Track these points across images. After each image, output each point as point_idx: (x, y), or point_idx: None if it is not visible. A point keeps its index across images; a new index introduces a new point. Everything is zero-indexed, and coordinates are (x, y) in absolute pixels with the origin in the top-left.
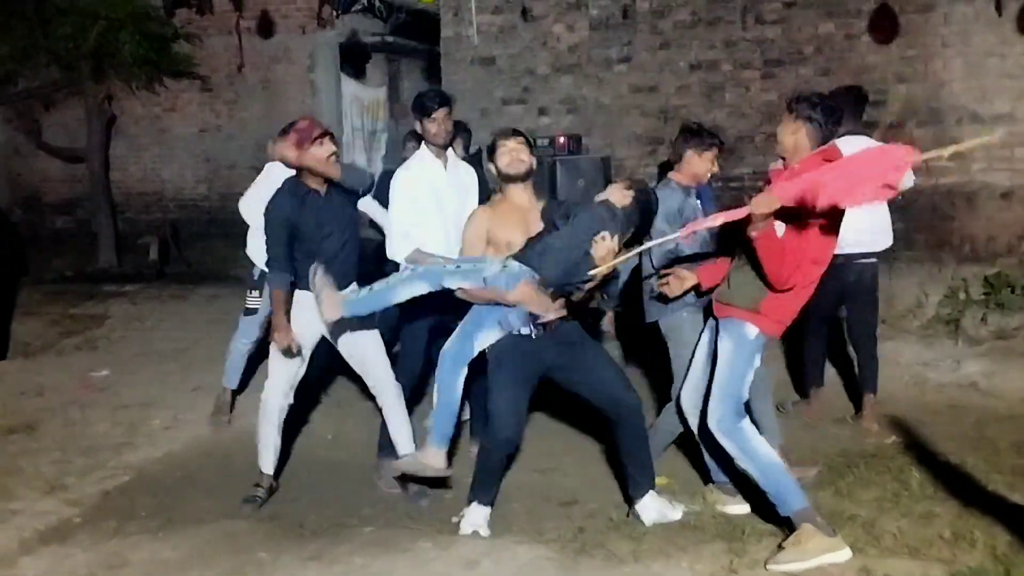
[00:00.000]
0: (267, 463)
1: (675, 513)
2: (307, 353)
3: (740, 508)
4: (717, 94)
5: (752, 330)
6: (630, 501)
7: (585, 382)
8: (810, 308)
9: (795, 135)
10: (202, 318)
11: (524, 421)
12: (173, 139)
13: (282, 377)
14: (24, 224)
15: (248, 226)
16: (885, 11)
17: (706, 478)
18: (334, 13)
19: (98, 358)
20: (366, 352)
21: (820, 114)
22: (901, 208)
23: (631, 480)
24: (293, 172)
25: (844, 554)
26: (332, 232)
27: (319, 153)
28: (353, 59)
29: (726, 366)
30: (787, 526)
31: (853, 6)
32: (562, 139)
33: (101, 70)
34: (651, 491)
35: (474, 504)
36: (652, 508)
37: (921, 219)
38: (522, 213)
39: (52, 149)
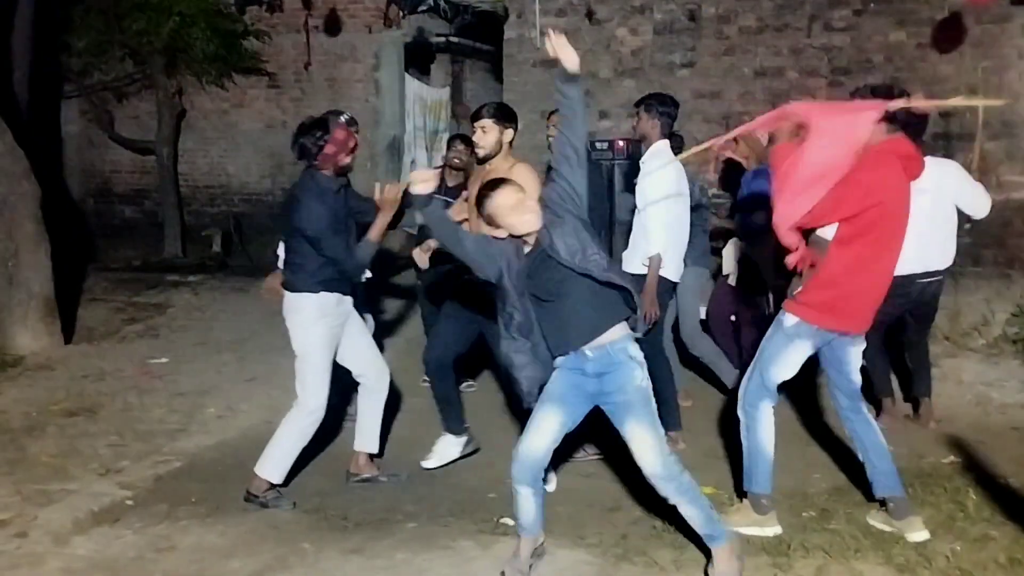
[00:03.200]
0: (283, 473)
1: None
2: (331, 356)
3: (920, 535)
4: (781, 101)
5: (790, 319)
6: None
7: None
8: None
9: None
10: (260, 311)
11: None
12: (239, 134)
13: (322, 385)
14: (94, 213)
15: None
16: (954, 21)
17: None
18: (400, 13)
19: (158, 346)
20: (366, 349)
21: None
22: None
23: None
24: None
25: (771, 530)
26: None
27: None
28: (418, 59)
29: (766, 345)
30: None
31: (925, 15)
32: (621, 143)
33: (173, 65)
34: None
35: None
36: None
37: (989, 234)
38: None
39: (124, 141)
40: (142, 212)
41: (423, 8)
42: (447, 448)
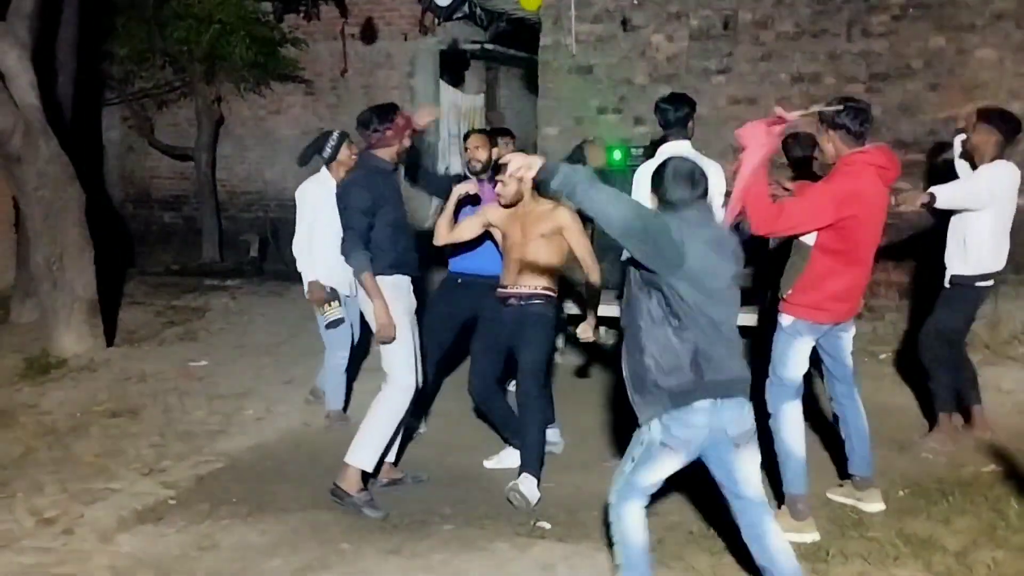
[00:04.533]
0: (375, 460)
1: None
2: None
3: (875, 506)
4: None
5: (786, 318)
6: None
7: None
8: (938, 331)
9: (831, 142)
10: (297, 314)
11: None
12: (276, 141)
13: (410, 362)
14: (134, 219)
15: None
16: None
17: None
18: (436, 20)
19: (198, 348)
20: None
21: (847, 119)
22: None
23: None
24: None
25: (810, 536)
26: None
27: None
28: (452, 66)
29: (773, 348)
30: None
31: (966, 20)
32: None
33: (212, 72)
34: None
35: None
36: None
37: None
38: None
39: (163, 147)
40: (181, 217)
41: (459, 16)
42: (511, 457)
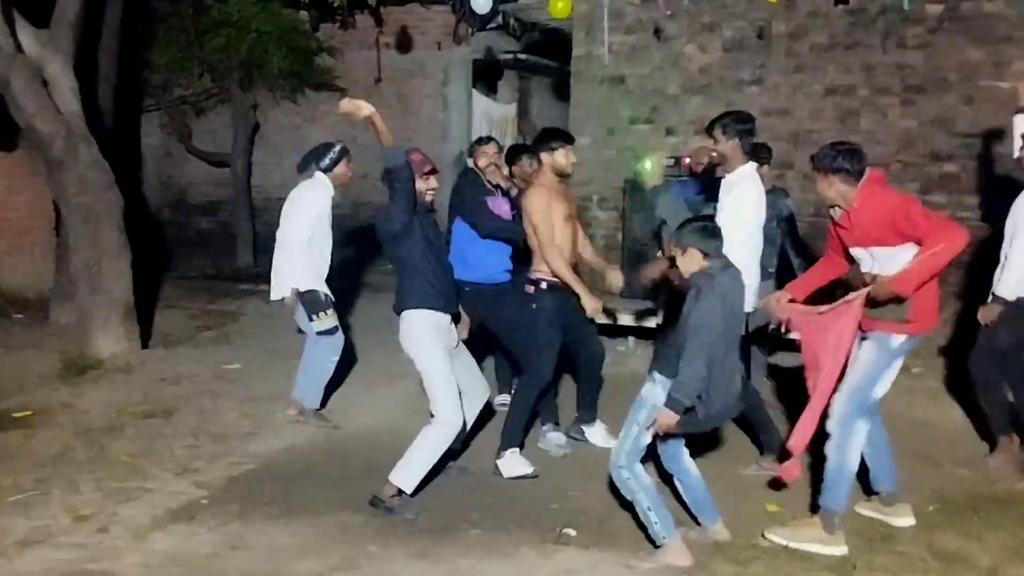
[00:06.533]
0: (415, 484)
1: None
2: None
3: (905, 520)
4: (852, 119)
5: (898, 339)
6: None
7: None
8: (992, 350)
9: (833, 187)
10: None
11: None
12: (311, 147)
13: (452, 396)
14: (171, 224)
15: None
16: None
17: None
18: (470, 30)
19: (231, 352)
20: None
21: (845, 161)
22: None
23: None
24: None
25: (837, 550)
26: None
27: (423, 186)
28: (485, 75)
29: (864, 367)
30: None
31: (1003, 32)
32: (687, 159)
33: (249, 80)
34: (598, 421)
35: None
36: (598, 434)
37: None
38: None
39: (200, 153)
40: (216, 223)
41: (492, 26)
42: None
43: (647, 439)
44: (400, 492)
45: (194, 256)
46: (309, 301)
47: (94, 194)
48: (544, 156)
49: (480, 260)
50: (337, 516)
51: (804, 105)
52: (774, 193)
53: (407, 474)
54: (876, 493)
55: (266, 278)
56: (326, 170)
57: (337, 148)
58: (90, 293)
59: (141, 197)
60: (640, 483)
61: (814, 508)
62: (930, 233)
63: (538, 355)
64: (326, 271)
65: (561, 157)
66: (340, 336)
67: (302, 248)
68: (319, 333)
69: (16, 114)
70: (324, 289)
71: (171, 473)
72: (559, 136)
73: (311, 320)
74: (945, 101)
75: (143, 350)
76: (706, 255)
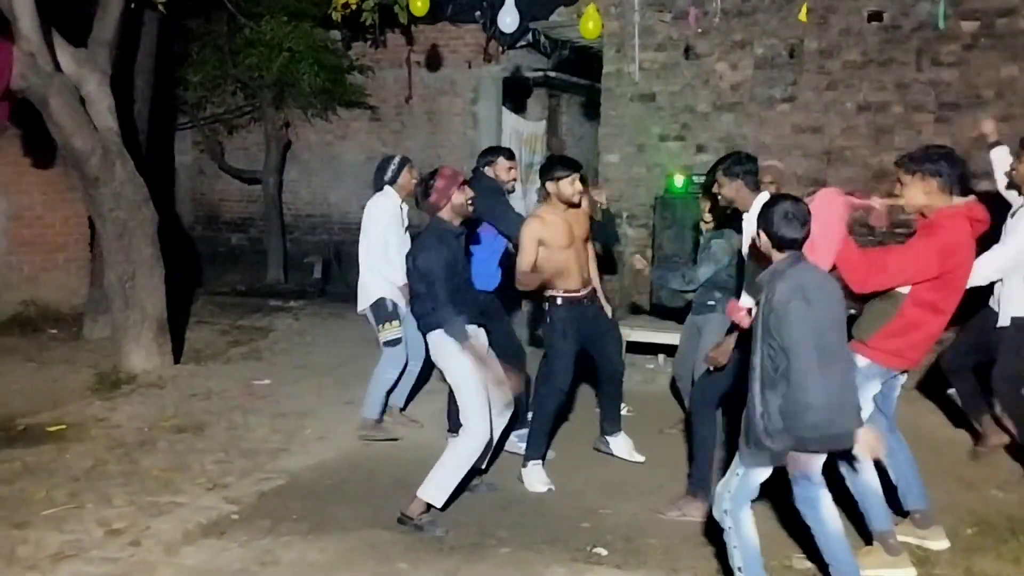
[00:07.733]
0: (445, 497)
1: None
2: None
3: (941, 543)
4: (886, 137)
5: (862, 360)
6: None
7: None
8: (1006, 378)
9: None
10: (358, 336)
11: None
12: (342, 165)
13: (483, 410)
14: (203, 240)
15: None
16: None
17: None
18: (500, 48)
19: (261, 368)
20: None
21: (945, 166)
22: None
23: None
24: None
25: (905, 572)
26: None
27: (462, 199)
28: (515, 93)
29: None
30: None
31: None
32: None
33: (281, 98)
34: (622, 432)
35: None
36: (623, 445)
37: None
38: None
39: (233, 171)
40: (247, 239)
41: (522, 44)
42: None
43: (758, 480)
44: (429, 508)
45: (225, 272)
46: (377, 310)
47: (129, 210)
48: (549, 186)
49: (476, 268)
50: (366, 533)
51: (836, 123)
52: None
53: (436, 489)
54: (907, 513)
55: (295, 295)
56: (391, 181)
57: (397, 159)
58: (124, 308)
59: (174, 213)
60: (740, 536)
61: (866, 539)
62: (892, 261)
63: (552, 364)
64: (400, 281)
65: (566, 186)
66: (403, 350)
67: (378, 259)
68: (384, 344)
69: (54, 131)
70: (396, 299)
71: (202, 488)
72: (564, 164)
73: (377, 330)
74: (981, 119)
75: (175, 365)
76: None
